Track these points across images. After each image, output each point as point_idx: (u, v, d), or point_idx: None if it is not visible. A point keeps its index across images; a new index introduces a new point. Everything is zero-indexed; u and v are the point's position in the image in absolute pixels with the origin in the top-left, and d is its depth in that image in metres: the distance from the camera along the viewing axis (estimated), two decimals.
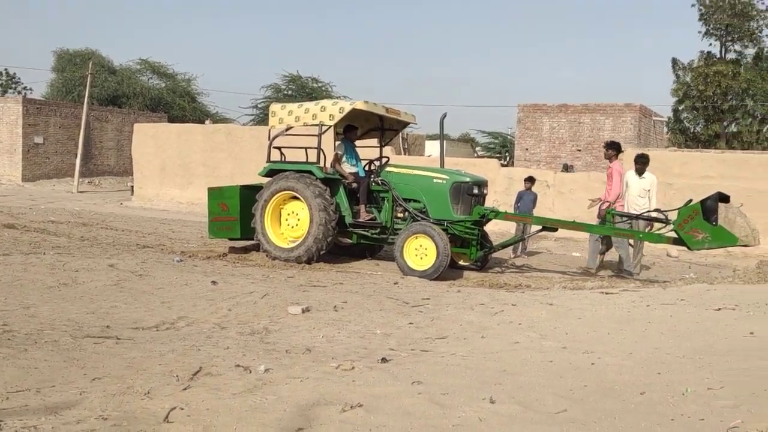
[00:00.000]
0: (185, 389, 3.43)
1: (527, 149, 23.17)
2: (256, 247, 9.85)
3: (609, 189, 9.40)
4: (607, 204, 9.16)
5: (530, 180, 11.70)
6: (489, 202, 10.33)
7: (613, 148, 9.59)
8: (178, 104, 36.46)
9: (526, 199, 11.41)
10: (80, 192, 23.92)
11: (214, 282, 6.89)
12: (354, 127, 10.14)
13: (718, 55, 27.85)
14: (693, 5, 28.14)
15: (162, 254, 9.15)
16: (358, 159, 10.06)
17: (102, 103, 32.80)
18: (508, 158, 32.64)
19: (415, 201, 9.18)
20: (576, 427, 2.79)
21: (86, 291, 6.19)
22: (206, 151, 19.05)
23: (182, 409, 3.07)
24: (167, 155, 19.56)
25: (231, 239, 10.33)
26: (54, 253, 8.31)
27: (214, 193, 10.26)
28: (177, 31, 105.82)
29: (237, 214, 9.82)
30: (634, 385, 3.40)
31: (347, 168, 9.78)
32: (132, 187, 21.34)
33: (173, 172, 19.51)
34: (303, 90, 36.41)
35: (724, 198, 7.84)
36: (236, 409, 3.09)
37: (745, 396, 3.16)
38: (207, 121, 28.41)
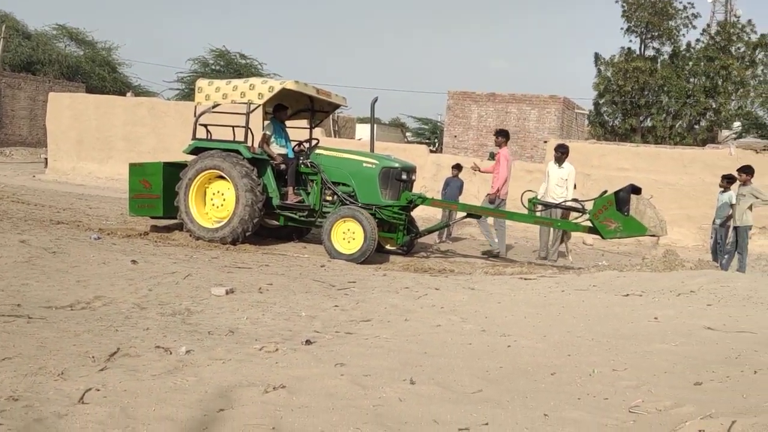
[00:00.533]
0: (102, 370, 3.35)
1: (456, 136, 23.57)
2: (179, 227, 9.62)
3: (497, 174, 9.84)
4: (495, 190, 9.61)
5: (457, 167, 11.94)
6: (417, 188, 10.49)
7: (503, 136, 10.20)
8: (97, 74, 34.85)
9: (453, 186, 11.64)
10: None
11: (134, 261, 6.69)
12: (284, 106, 10.01)
13: (638, 52, 29.09)
14: (616, 1, 29.23)
15: (78, 231, 8.79)
16: (287, 140, 9.95)
17: (15, 69, 30.92)
18: (437, 144, 33.09)
19: (344, 185, 9.19)
20: (490, 405, 2.92)
21: None
22: (127, 125, 18.34)
23: (98, 390, 3.00)
24: (85, 127, 18.70)
25: (153, 217, 10.04)
26: None
27: (136, 170, 9.92)
28: None
29: (160, 191, 9.55)
30: (545, 366, 3.58)
31: (276, 149, 9.67)
32: (46, 159, 20.27)
33: (91, 145, 18.69)
34: (231, 66, 35.53)
35: (636, 190, 8.28)
36: (155, 391, 3.05)
37: (647, 377, 3.39)
38: (128, 94, 27.28)
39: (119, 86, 35.01)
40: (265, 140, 9.58)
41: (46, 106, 19.96)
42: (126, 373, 3.32)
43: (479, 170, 10.74)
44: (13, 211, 10.33)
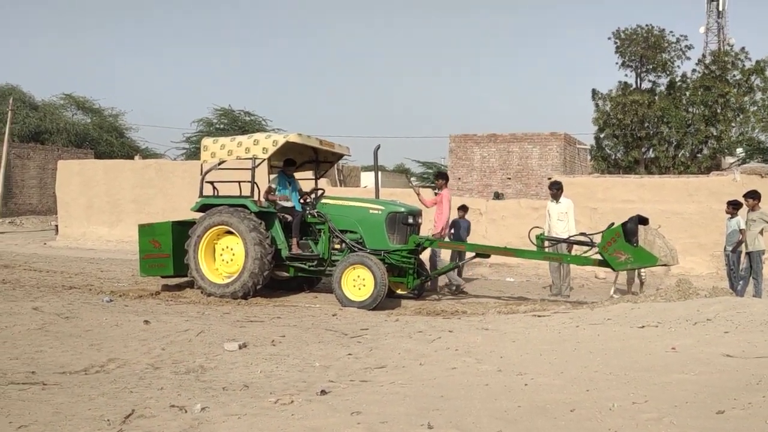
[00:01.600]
0: None
1: (459, 178, 23.71)
2: (191, 284, 9.66)
3: (439, 215, 9.96)
4: (439, 230, 9.89)
5: (463, 208, 11.98)
6: (424, 231, 10.52)
7: (442, 178, 10.68)
8: (105, 140, 35.49)
9: (460, 226, 11.66)
10: (1, 233, 22.81)
11: (146, 321, 6.70)
12: (293, 162, 10.12)
13: (634, 85, 29.42)
14: (609, 38, 29.74)
15: (90, 295, 8.84)
16: (295, 191, 10.03)
17: (23, 140, 31.54)
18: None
19: (351, 232, 9.24)
20: None
21: (9, 336, 5.90)
22: (136, 188, 18.58)
23: None
24: (94, 192, 18.96)
25: (164, 276, 10.09)
26: None
27: (145, 230, 10.03)
28: (104, 67, 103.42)
29: (169, 250, 9.62)
30: (564, 402, 3.53)
31: (281, 202, 9.75)
32: (56, 226, 20.49)
33: (101, 209, 18.90)
34: (235, 123, 36.14)
35: (643, 220, 8.27)
36: None
37: (667, 408, 3.33)
38: (136, 157, 27.70)
39: (127, 150, 35.59)
40: (269, 191, 9.66)
41: (56, 174, 20.29)
42: None
43: (418, 195, 10.67)
44: (25, 279, 10.41)
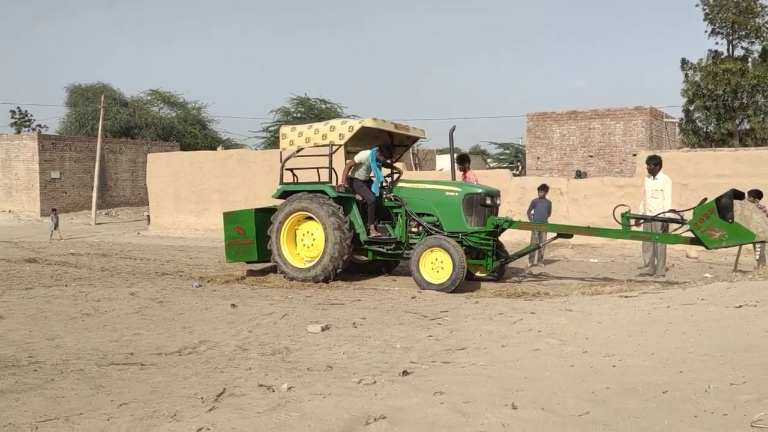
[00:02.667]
0: (210, 410, 3.48)
1: (538, 158, 23.16)
2: (274, 269, 9.93)
3: None
4: None
5: (544, 188, 11.71)
6: (502, 212, 10.35)
7: (465, 161, 10.53)
8: (189, 132, 36.95)
9: (540, 207, 11.40)
10: (98, 224, 24.24)
11: (233, 305, 6.96)
12: (390, 150, 9.88)
13: (726, 53, 27.74)
14: (697, 5, 28.13)
15: (181, 281, 9.26)
16: (379, 177, 9.82)
17: (115, 135, 33.32)
18: (520, 168, 32.62)
19: (428, 215, 9.21)
20: (599, 428, 2.79)
21: (109, 320, 6.28)
22: (219, 177, 19.25)
23: (209, 429, 3.11)
24: (181, 183, 19.79)
25: (248, 262, 10.42)
26: (75, 285, 8.43)
27: (230, 218, 10.38)
28: (186, 61, 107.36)
29: (253, 237, 9.92)
30: (656, 384, 3.39)
31: (361, 175, 9.66)
32: (148, 216, 21.61)
33: (188, 199, 19.72)
34: (312, 111, 36.76)
35: (738, 195, 7.80)
36: (261, 427, 3.13)
37: None
38: (219, 148, 28.72)
39: (210, 142, 36.93)
40: (349, 167, 9.65)
41: (146, 166, 21.33)
42: (233, 412, 3.42)
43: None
44: (121, 266, 11.03)
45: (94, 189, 25.62)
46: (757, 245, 9.37)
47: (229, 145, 37.39)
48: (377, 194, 9.48)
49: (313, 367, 4.50)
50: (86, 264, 11.24)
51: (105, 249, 14.38)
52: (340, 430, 3.02)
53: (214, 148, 29.52)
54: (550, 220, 11.31)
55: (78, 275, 9.67)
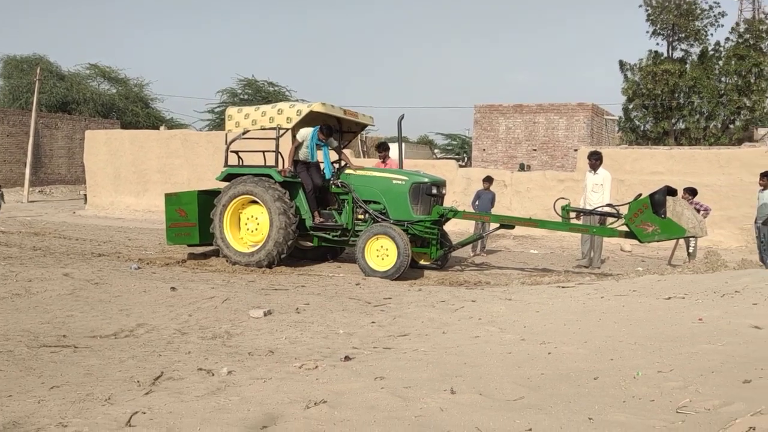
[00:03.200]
0: (147, 394, 3.42)
1: (484, 150, 23.51)
2: (216, 253, 9.78)
3: None
4: None
5: (488, 180, 11.90)
6: (448, 202, 10.47)
7: (384, 149, 10.63)
8: (131, 110, 35.81)
9: (485, 198, 11.59)
10: (31, 201, 23.29)
11: (173, 288, 6.82)
12: (331, 130, 9.76)
13: (666, 54, 28.69)
14: (640, 6, 28.96)
15: (118, 262, 9.00)
16: (327, 158, 9.76)
17: (51, 109, 31.98)
18: (466, 159, 33.03)
19: (375, 202, 9.23)
20: (533, 411, 2.88)
21: (40, 301, 6.06)
22: (162, 158, 18.76)
23: (144, 413, 3.06)
24: (121, 162, 19.20)
25: (190, 245, 10.22)
26: (5, 264, 8.09)
27: (172, 199, 10.14)
28: (130, 36, 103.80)
29: (195, 219, 9.73)
30: (588, 371, 3.53)
31: (303, 155, 9.53)
32: (85, 195, 20.86)
33: (128, 179, 19.15)
34: (259, 93, 36.19)
35: (671, 191, 8.12)
36: (200, 411, 3.09)
37: (693, 377, 3.30)
38: (162, 127, 27.98)
39: (152, 121, 35.91)
40: (294, 147, 9.49)
41: (83, 143, 20.56)
42: (171, 396, 3.37)
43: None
44: (55, 246, 10.63)
45: (27, 165, 24.55)
46: (690, 241, 9.79)
47: (172, 124, 36.46)
48: (328, 176, 9.43)
49: (254, 352, 4.47)
50: (17, 243, 10.78)
51: (38, 228, 13.81)
52: (280, 414, 3.01)
53: (156, 128, 28.72)
54: (494, 211, 11.51)
55: (8, 254, 9.27)
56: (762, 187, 9.49)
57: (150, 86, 39.71)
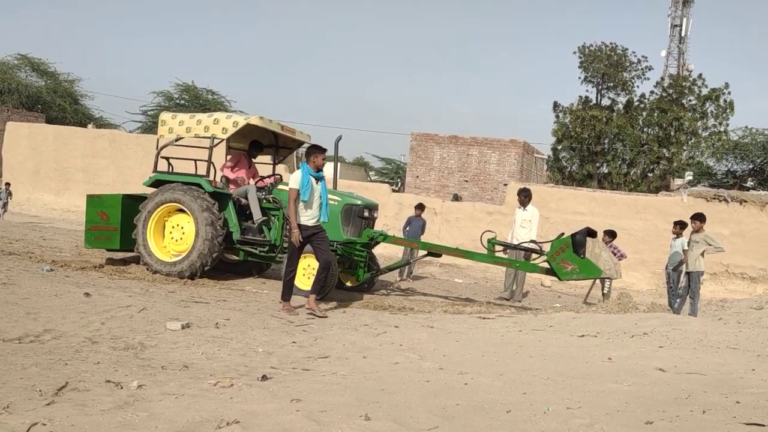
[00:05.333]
0: (48, 404, 3.25)
1: (418, 177, 23.85)
2: (136, 260, 9.45)
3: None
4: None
5: (420, 207, 12.07)
6: (379, 226, 10.54)
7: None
8: (58, 105, 34.35)
9: (415, 224, 11.74)
10: None
11: (87, 294, 6.53)
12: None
13: (595, 101, 30.08)
14: (574, 53, 30.32)
15: (30, 263, 8.55)
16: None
17: None
18: (399, 184, 33.38)
19: None
20: None
21: None
22: (87, 157, 18.07)
23: (44, 425, 2.91)
24: (42, 158, 18.37)
25: (109, 250, 9.84)
26: None
27: (94, 201, 9.76)
28: (63, 30, 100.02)
29: (117, 224, 9.39)
30: (502, 403, 3.61)
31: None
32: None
33: (48, 176, 18.32)
34: (197, 101, 35.45)
35: (591, 233, 8.48)
36: (104, 426, 2.97)
37: (599, 415, 3.43)
38: (90, 125, 26.95)
39: (80, 118, 34.53)
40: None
41: (3, 135, 19.55)
42: (74, 408, 3.22)
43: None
44: None
45: None
46: (605, 281, 10.21)
47: (101, 123, 35.17)
48: (324, 219, 7.48)
49: (168, 366, 4.33)
50: None
51: None
52: None
53: (84, 125, 27.64)
54: (423, 238, 11.66)
55: None
56: (675, 235, 10.03)
57: (81, 82, 38.20)
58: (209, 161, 9.25)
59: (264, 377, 4.13)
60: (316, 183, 7.25)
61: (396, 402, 3.61)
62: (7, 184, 18.50)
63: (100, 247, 9.77)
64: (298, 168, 7.52)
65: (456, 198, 21.45)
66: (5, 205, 16.86)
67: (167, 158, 9.53)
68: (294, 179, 7.14)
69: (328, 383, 4.05)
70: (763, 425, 3.12)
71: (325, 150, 7.52)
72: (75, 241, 11.38)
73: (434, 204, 15.48)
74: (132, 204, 9.43)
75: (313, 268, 8.45)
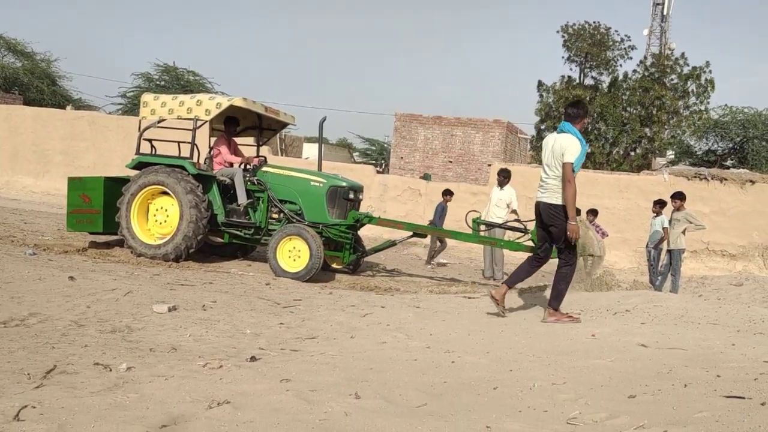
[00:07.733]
0: (37, 387, 3.24)
1: (402, 158, 23.83)
2: (120, 243, 9.39)
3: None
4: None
5: (448, 193, 12.06)
6: (364, 208, 10.55)
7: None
8: (35, 86, 33.69)
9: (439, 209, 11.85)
10: None
11: (71, 277, 6.48)
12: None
13: (578, 80, 30.15)
14: (557, 32, 30.31)
15: (12, 246, 8.46)
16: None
17: None
18: (383, 165, 33.34)
19: (290, 202, 9.16)
20: (434, 419, 2.97)
21: None
22: (66, 139, 17.82)
23: (34, 407, 2.90)
24: (20, 140, 18.09)
25: (92, 233, 9.76)
26: None
27: (75, 184, 9.65)
28: (39, 9, 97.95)
29: (100, 206, 9.31)
30: (488, 381, 3.67)
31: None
32: None
33: (27, 158, 18.07)
34: (178, 82, 34.93)
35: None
36: (94, 408, 2.97)
37: (584, 390, 3.51)
38: (68, 107, 26.51)
39: (59, 99, 33.92)
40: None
41: None
42: (63, 390, 3.22)
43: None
44: None
45: None
46: (588, 259, 10.32)
47: (80, 105, 34.58)
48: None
49: (156, 348, 4.33)
50: None
51: None
52: (181, 413, 2.95)
53: (62, 107, 27.19)
54: (407, 219, 11.70)
55: None
56: (655, 214, 10.17)
57: (59, 63, 37.49)
58: (192, 143, 9.18)
59: (253, 358, 4.15)
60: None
61: (385, 380, 3.65)
62: None
63: (83, 230, 9.69)
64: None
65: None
66: None
67: (150, 140, 9.44)
68: (571, 152, 5.72)
69: (316, 363, 4.08)
70: (743, 398, 3.21)
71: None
72: (57, 225, 11.27)
73: (419, 185, 15.51)
74: (114, 186, 9.34)
75: (299, 250, 8.46)
